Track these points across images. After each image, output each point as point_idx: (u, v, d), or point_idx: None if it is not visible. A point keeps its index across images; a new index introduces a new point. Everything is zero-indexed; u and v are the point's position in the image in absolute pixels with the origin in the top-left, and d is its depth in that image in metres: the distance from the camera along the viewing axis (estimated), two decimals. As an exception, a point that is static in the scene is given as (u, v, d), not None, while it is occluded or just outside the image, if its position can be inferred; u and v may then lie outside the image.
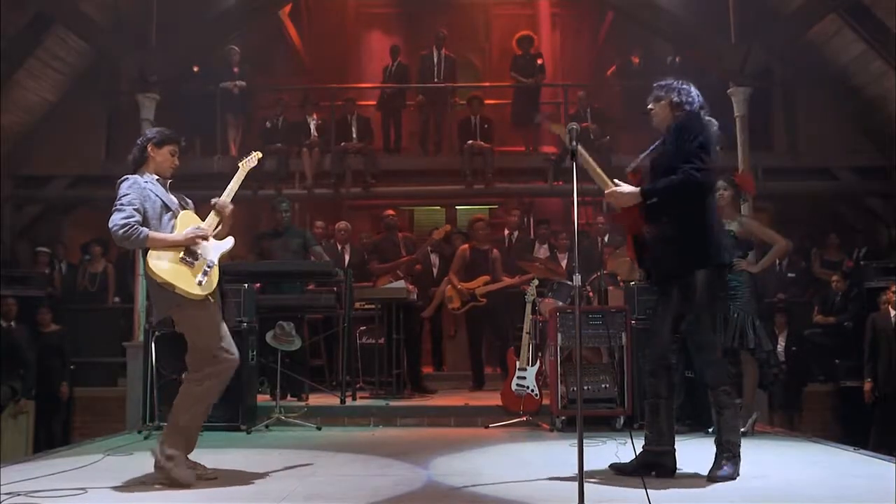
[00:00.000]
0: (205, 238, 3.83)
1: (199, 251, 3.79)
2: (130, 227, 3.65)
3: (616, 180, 3.85)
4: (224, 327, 3.87)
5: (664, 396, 3.81)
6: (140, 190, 3.79)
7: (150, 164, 3.93)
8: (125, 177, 3.86)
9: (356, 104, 10.38)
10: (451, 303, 7.69)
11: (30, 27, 9.30)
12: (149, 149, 3.92)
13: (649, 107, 3.96)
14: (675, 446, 3.84)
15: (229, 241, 3.99)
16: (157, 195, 3.85)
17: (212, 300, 3.76)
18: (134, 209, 3.71)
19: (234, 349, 3.87)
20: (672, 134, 3.78)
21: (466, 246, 7.84)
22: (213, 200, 3.99)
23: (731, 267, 5.35)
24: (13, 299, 8.32)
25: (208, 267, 3.78)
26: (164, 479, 3.65)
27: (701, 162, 3.65)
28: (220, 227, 3.96)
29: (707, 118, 3.83)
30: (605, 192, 3.85)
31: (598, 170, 3.85)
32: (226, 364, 3.81)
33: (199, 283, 3.71)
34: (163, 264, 3.69)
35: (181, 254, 3.74)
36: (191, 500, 3.48)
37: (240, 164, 4.18)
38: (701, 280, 3.69)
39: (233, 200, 4.05)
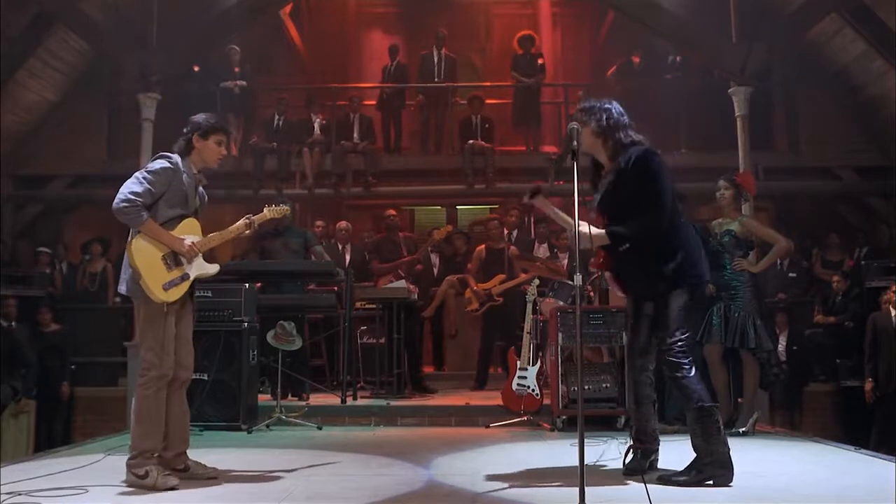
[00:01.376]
0: (194, 255, 3.80)
1: (182, 260, 3.76)
2: (134, 206, 3.61)
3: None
4: (172, 345, 3.72)
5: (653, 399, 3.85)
6: (170, 179, 3.72)
7: (195, 155, 3.86)
8: (170, 156, 3.78)
9: (361, 103, 10.38)
10: (470, 305, 7.69)
11: (30, 27, 9.32)
12: (194, 140, 3.84)
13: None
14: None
15: (214, 268, 3.96)
16: (185, 188, 3.79)
17: (165, 309, 3.68)
18: (150, 192, 3.66)
19: (173, 365, 3.73)
20: (628, 172, 3.63)
21: (482, 247, 7.84)
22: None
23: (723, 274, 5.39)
24: (14, 299, 8.33)
25: (181, 278, 3.74)
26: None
27: (662, 209, 3.60)
28: (212, 243, 3.91)
29: (637, 137, 3.71)
30: (569, 233, 3.72)
31: (560, 213, 3.88)
32: (157, 374, 3.65)
33: (165, 288, 3.66)
34: (144, 251, 3.65)
35: (164, 253, 3.71)
36: (191, 499, 3.48)
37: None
38: (675, 301, 3.64)
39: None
